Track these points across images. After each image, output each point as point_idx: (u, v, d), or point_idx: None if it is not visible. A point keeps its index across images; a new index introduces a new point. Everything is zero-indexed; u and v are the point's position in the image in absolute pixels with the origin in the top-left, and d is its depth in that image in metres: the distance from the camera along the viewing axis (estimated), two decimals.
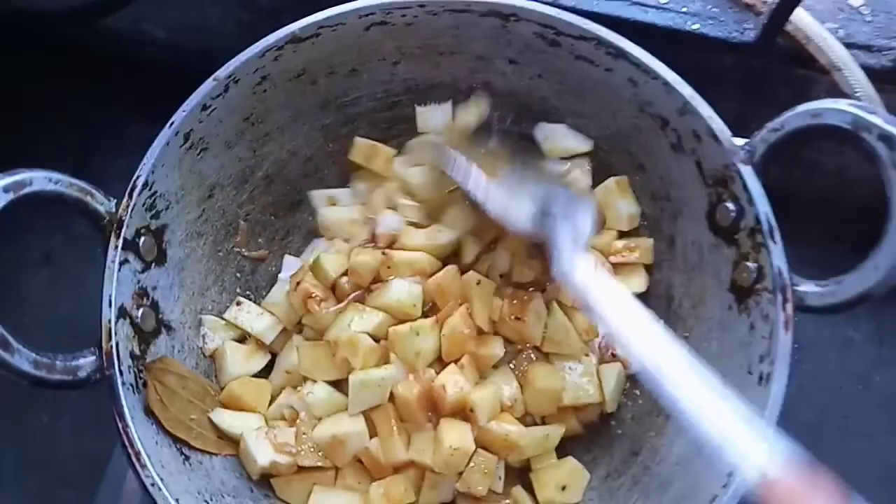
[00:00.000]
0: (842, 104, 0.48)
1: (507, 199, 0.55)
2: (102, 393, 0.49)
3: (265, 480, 0.57)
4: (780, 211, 0.52)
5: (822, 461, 0.66)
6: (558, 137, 0.65)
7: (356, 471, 0.56)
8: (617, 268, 0.62)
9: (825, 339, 0.71)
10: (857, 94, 0.65)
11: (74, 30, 0.80)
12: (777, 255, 0.50)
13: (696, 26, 0.72)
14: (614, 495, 0.55)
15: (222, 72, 0.57)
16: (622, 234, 0.63)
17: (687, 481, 0.51)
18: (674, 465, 0.53)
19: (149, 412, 0.52)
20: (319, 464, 0.56)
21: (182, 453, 0.53)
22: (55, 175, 0.50)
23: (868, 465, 0.66)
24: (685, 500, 0.49)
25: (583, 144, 0.65)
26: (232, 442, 0.57)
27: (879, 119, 0.45)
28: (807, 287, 0.49)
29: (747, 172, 0.52)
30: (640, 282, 0.62)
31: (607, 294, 0.48)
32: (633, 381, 0.60)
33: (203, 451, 0.55)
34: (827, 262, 0.49)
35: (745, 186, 0.52)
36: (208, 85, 0.57)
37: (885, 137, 0.45)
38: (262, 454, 0.55)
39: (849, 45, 0.68)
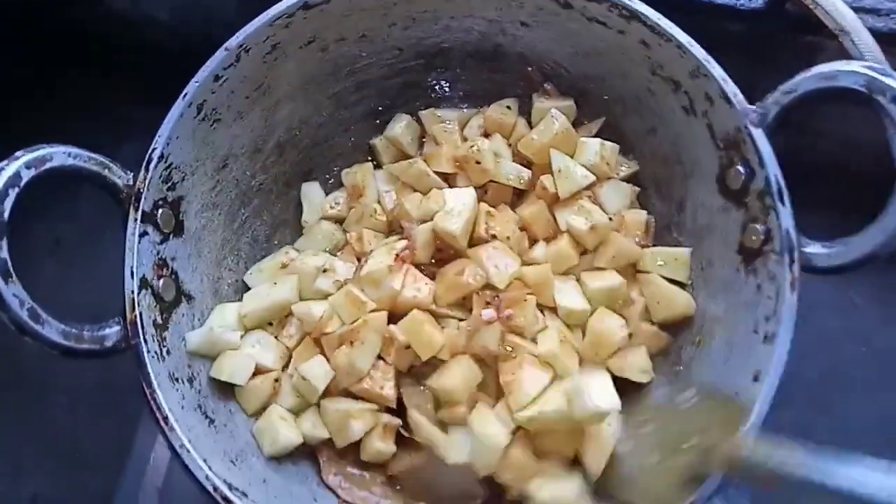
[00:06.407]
0: (856, 66, 0.48)
1: None
2: (119, 375, 0.50)
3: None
4: (788, 178, 0.52)
5: (823, 417, 0.68)
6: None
7: None
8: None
9: (828, 302, 0.72)
10: (866, 58, 0.65)
11: (75, 12, 0.78)
12: (785, 217, 0.51)
13: None
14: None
15: (233, 41, 0.57)
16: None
17: None
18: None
19: None
20: None
21: (207, 416, 0.55)
22: (74, 150, 0.50)
23: (867, 421, 0.68)
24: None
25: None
26: None
27: (895, 81, 0.46)
28: (814, 248, 0.50)
29: (759, 135, 0.53)
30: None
31: None
32: None
33: None
34: (836, 228, 0.50)
35: (756, 149, 0.53)
36: (220, 55, 0.56)
37: None
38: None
39: (856, 9, 0.67)
